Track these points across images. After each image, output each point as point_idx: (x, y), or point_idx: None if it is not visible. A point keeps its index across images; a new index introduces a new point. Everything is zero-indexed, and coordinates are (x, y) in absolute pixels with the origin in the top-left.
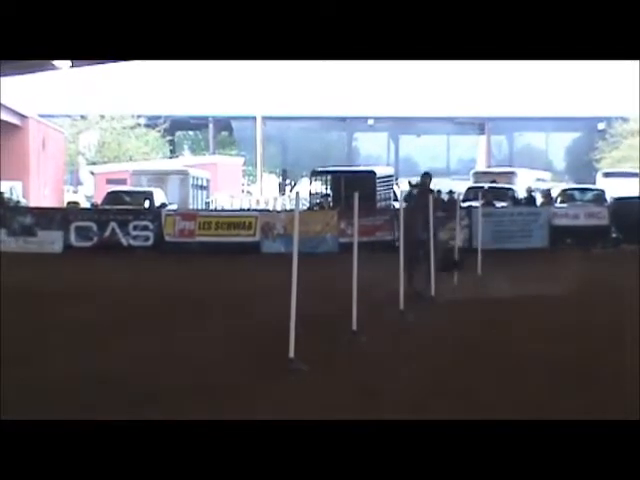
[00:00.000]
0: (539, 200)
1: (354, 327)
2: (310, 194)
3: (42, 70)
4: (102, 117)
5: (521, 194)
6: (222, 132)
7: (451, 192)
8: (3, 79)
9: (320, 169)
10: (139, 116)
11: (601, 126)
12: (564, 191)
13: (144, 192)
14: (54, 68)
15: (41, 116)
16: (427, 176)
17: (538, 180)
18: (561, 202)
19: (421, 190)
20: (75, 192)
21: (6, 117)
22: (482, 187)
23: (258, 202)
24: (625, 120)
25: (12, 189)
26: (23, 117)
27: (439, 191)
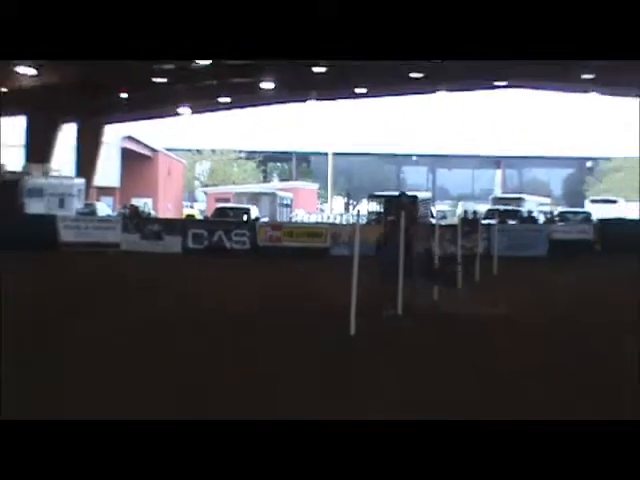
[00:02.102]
0: (542, 219)
1: (400, 312)
2: (368, 212)
3: (168, 115)
4: (213, 151)
5: (528, 214)
6: (302, 164)
7: (475, 213)
8: (139, 122)
9: (376, 193)
10: (240, 151)
11: (589, 164)
12: (561, 213)
13: (243, 208)
14: (178, 114)
15: (167, 149)
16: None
17: (541, 204)
18: (558, 221)
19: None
20: (191, 207)
21: (141, 150)
22: (498, 209)
23: (328, 217)
24: (608, 159)
25: (145, 204)
26: (154, 150)
27: (466, 211)
